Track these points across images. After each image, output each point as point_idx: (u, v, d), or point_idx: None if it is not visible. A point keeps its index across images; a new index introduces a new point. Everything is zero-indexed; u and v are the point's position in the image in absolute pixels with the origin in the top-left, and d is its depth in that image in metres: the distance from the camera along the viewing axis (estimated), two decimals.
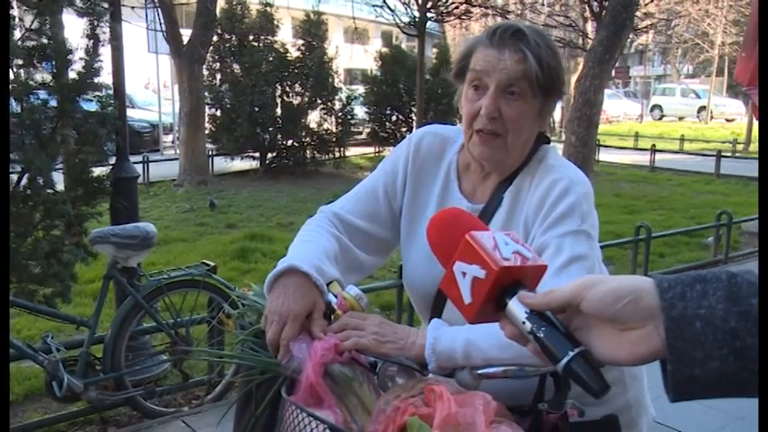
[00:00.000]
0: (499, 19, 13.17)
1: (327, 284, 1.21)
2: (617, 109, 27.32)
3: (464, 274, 0.78)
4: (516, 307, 0.76)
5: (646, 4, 12.60)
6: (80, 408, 3.40)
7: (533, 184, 1.28)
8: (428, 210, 1.40)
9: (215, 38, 11.08)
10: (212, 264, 3.58)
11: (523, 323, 0.75)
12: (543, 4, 16.08)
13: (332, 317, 1.19)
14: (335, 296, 1.20)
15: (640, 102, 30.48)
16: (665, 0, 20.38)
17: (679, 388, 0.65)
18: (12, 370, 3.60)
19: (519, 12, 14.87)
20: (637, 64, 38.65)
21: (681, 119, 28.08)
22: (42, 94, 3.60)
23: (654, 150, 14.19)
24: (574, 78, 11.44)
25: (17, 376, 3.73)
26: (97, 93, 3.73)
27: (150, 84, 16.38)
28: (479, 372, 1.07)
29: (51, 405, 3.48)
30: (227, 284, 3.55)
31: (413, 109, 13.39)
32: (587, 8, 9.33)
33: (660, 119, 28.76)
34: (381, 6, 11.12)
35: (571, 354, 0.71)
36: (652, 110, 29.77)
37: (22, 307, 3.30)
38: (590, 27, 13.86)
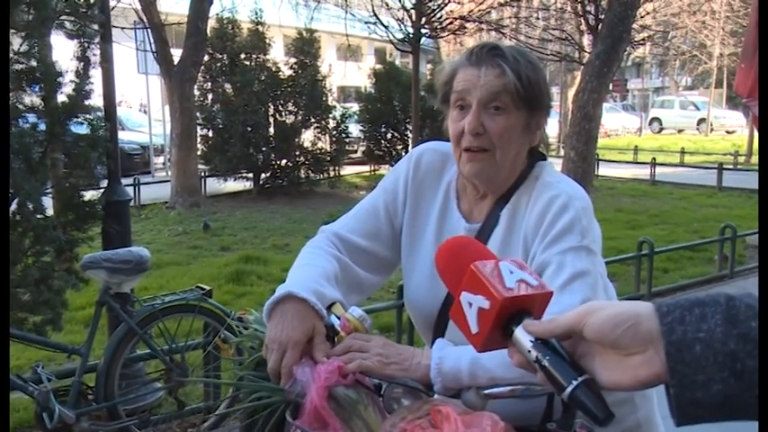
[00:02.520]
0: (494, 34, 13.22)
1: (330, 306, 1.21)
2: (615, 122, 27.42)
3: (470, 304, 0.79)
4: (522, 335, 0.76)
5: (642, 17, 12.65)
6: None
7: (530, 202, 1.27)
8: (428, 229, 1.39)
9: (206, 57, 11.04)
10: (207, 288, 3.50)
11: (529, 351, 0.75)
12: (539, 18, 16.16)
13: (335, 339, 1.18)
14: (338, 318, 1.20)
15: (639, 115, 30.61)
16: (662, 12, 20.51)
17: (683, 411, 0.65)
18: None
19: (514, 26, 14.92)
20: (634, 77, 38.91)
21: (680, 131, 28.19)
22: (32, 117, 3.53)
23: (654, 164, 14.14)
24: (571, 93, 11.45)
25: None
26: (87, 115, 3.67)
27: (143, 106, 16.36)
28: (486, 392, 1.06)
29: None
30: (222, 309, 3.47)
31: (408, 126, 13.36)
32: (583, 21, 9.35)
33: (659, 132, 28.87)
34: (374, 23, 11.13)
35: (575, 382, 0.71)
36: (651, 123, 29.90)
37: (11, 336, 3.20)
38: (586, 40, 13.92)
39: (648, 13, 15.17)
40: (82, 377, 3.20)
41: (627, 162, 16.91)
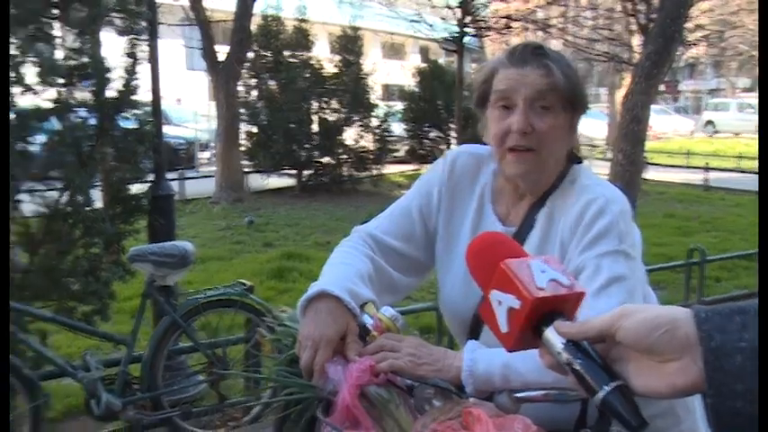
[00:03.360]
0: (540, 33, 13.02)
1: (363, 306, 1.21)
2: (666, 125, 26.69)
3: (500, 302, 0.77)
4: (553, 336, 0.74)
5: (697, 16, 12.28)
6: (118, 427, 3.37)
7: (567, 205, 1.25)
8: (463, 231, 1.37)
9: (251, 54, 11.16)
10: (249, 283, 3.53)
11: (559, 354, 0.73)
12: (586, 18, 15.83)
13: (367, 338, 1.19)
14: (371, 317, 1.20)
15: (691, 117, 29.77)
16: (719, 11, 19.83)
17: (721, 422, 0.64)
18: (53, 387, 3.60)
19: (561, 25, 14.66)
20: (687, 78, 37.84)
21: (737, 135, 27.28)
22: (82, 112, 3.62)
23: (708, 168, 13.65)
24: (620, 94, 11.08)
25: (58, 393, 3.71)
26: (135, 110, 3.74)
27: (182, 101, 16.70)
28: (519, 395, 1.04)
29: (90, 423, 3.45)
30: (264, 304, 3.49)
31: (452, 125, 13.29)
32: (633, 21, 9.12)
33: (713, 135, 28.02)
34: (418, 21, 11.09)
35: (607, 387, 0.69)
36: (705, 125, 29.02)
37: (61, 324, 3.30)
38: (636, 40, 13.58)
39: (704, 12, 14.68)
40: (127, 367, 3.27)
41: (678, 166, 16.40)
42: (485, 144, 1.36)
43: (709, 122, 29.02)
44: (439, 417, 1.00)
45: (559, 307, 0.76)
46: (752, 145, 22.86)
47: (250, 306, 3.45)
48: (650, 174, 14.16)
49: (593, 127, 21.68)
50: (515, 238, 1.29)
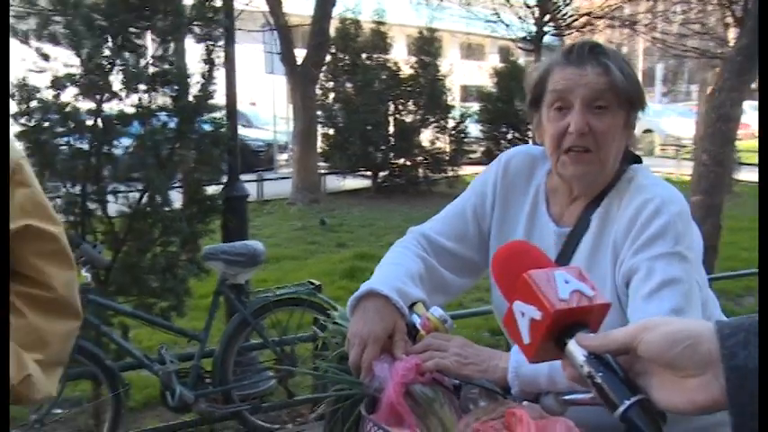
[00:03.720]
0: (626, 30, 12.56)
1: (412, 305, 1.23)
2: None
3: (522, 314, 0.76)
4: (575, 349, 0.73)
5: None
6: (191, 418, 3.52)
7: (623, 205, 1.22)
8: (517, 232, 1.37)
9: (328, 57, 11.35)
10: (317, 283, 3.60)
11: (581, 366, 0.72)
12: (676, 12, 15.13)
13: (416, 337, 1.21)
14: (420, 317, 1.22)
15: None
16: None
17: None
18: (133, 377, 3.78)
19: (648, 21, 14.08)
20: None
21: None
22: (163, 116, 3.79)
23: None
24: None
25: (138, 384, 3.91)
26: (212, 114, 3.88)
27: (257, 104, 17.22)
28: (565, 398, 1.02)
29: (166, 414, 3.62)
30: (331, 304, 3.54)
31: (529, 126, 12.98)
32: (729, 13, 8.64)
33: None
34: (496, 21, 10.95)
35: (627, 402, 0.67)
36: None
37: (139, 318, 3.47)
38: (732, 34, 12.87)
39: None
40: (200, 361, 3.40)
41: None
42: (540, 145, 1.35)
43: None
44: (482, 417, 1.00)
45: (583, 319, 0.74)
46: None
47: (318, 305, 3.51)
48: (743, 174, 13.42)
49: (682, 126, 20.72)
50: (569, 239, 1.29)
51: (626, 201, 1.22)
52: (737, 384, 0.60)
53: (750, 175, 13.69)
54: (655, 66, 34.75)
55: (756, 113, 22.98)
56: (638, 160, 1.32)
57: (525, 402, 1.09)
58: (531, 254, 0.89)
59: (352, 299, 1.22)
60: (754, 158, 16.16)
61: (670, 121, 21.75)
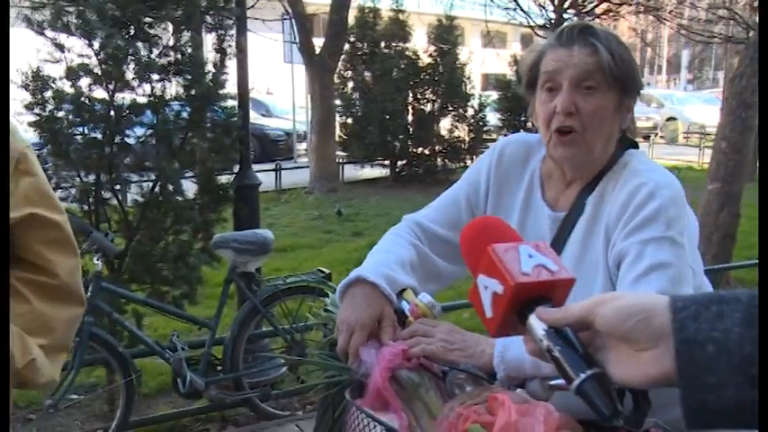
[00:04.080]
0: (650, 17, 12.35)
1: (401, 292, 1.25)
2: None
3: (486, 287, 0.76)
4: (535, 323, 0.73)
5: None
6: (203, 405, 3.56)
7: (616, 189, 1.22)
8: (511, 219, 1.36)
9: (347, 46, 11.33)
10: (327, 271, 3.61)
11: (541, 340, 0.72)
12: None
13: (405, 323, 1.22)
14: (408, 303, 1.24)
15: None
16: None
17: (693, 416, 0.61)
18: (147, 365, 3.84)
19: (673, 7, 13.81)
20: None
21: None
22: (176, 105, 3.82)
23: None
24: None
25: (152, 371, 3.97)
26: (225, 103, 3.90)
27: (273, 93, 17.26)
28: (551, 383, 1.02)
29: (178, 400, 3.67)
30: None
31: None
32: None
33: None
34: (514, 9, 10.81)
35: (583, 375, 0.68)
36: None
37: (151, 306, 3.51)
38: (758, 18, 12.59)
39: None
40: (211, 349, 3.44)
41: None
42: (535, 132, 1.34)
43: None
44: (466, 401, 1.02)
45: (546, 293, 0.74)
46: None
47: (328, 293, 3.51)
48: None
49: (707, 113, 20.35)
50: (564, 223, 1.29)
51: (620, 185, 1.22)
52: (687, 357, 0.60)
53: None
54: (680, 52, 34.13)
55: None
56: (634, 145, 1.31)
57: (512, 387, 1.10)
58: (497, 229, 0.89)
59: (341, 285, 1.24)
60: None
61: (695, 108, 21.38)
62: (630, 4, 11.41)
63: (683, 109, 21.25)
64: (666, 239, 1.13)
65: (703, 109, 21.16)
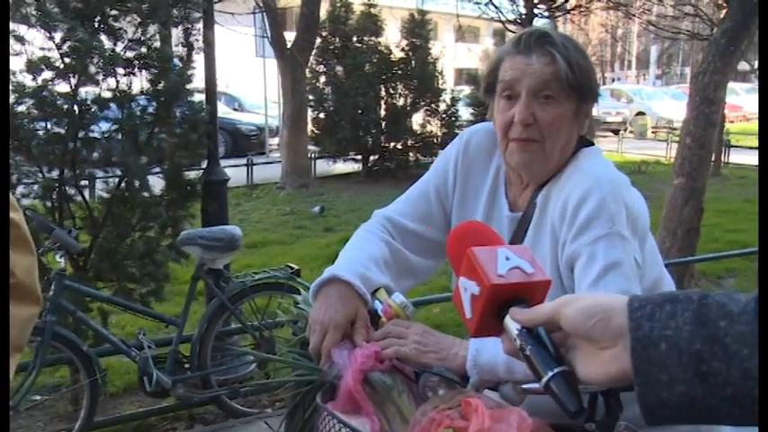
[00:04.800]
0: (620, 13, 12.50)
1: (374, 291, 1.22)
2: (757, 105, 25.02)
3: (465, 289, 0.79)
4: (510, 323, 0.76)
5: None
6: (170, 403, 3.52)
7: (559, 187, 1.22)
8: (477, 212, 1.36)
9: (318, 40, 11.26)
10: (296, 267, 3.59)
11: (515, 339, 0.75)
12: None
13: (378, 324, 1.20)
14: (381, 303, 1.21)
15: None
16: None
17: (650, 412, 0.63)
18: (112, 363, 3.79)
19: (642, 3, 13.98)
20: None
21: None
22: (142, 100, 3.76)
23: None
24: None
25: (118, 370, 3.92)
26: (192, 98, 3.85)
27: (227, 86, 17.14)
28: (524, 387, 1.01)
29: (146, 400, 3.62)
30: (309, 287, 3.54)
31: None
32: None
33: None
34: (486, 4, 10.85)
35: (550, 373, 0.71)
36: None
37: (116, 304, 3.46)
38: (722, 16, 12.83)
39: None
40: (178, 346, 3.40)
41: None
42: None
43: None
44: (439, 405, 1.00)
45: (522, 294, 0.77)
46: None
47: (297, 289, 3.49)
48: (733, 157, 13.43)
49: (674, 108, 20.68)
50: (519, 224, 1.29)
51: (562, 182, 1.22)
52: (641, 355, 0.63)
53: (739, 157, 13.71)
54: (649, 48, 34.60)
55: (749, 96, 22.87)
56: (588, 144, 1.31)
57: (484, 391, 1.10)
58: (483, 234, 0.90)
59: (315, 284, 1.21)
60: (745, 141, 16.20)
61: (663, 103, 21.73)
62: (601, 0, 11.54)
63: (652, 104, 21.58)
64: (615, 235, 1.13)
65: (671, 104, 21.51)
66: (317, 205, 8.95)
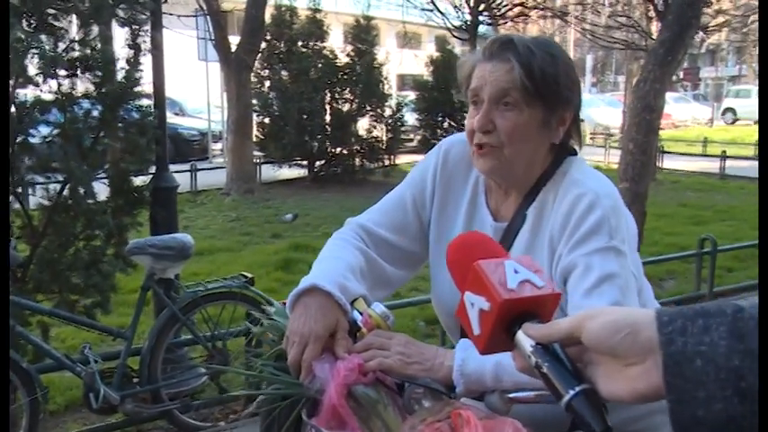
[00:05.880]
0: (558, 21, 12.86)
1: (353, 302, 1.19)
2: (685, 113, 26.25)
3: (472, 304, 0.76)
4: (523, 339, 0.73)
5: (719, 1, 12.01)
6: (117, 420, 3.38)
7: (557, 200, 1.21)
8: (457, 223, 1.34)
9: (263, 44, 11.13)
10: (250, 275, 3.51)
11: (529, 356, 0.72)
12: (604, 5, 15.54)
13: (357, 335, 1.16)
14: (361, 314, 1.18)
15: (711, 105, 29.25)
16: None
17: (682, 429, 0.61)
18: (54, 380, 3.61)
19: (578, 13, 14.42)
20: (708, 65, 37.26)
21: (756, 123, 26.77)
22: (86, 103, 3.60)
23: (724, 157, 13.42)
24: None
25: (59, 386, 3.73)
26: (138, 102, 3.72)
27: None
28: (510, 395, 1.02)
29: (91, 416, 3.47)
30: (264, 297, 3.46)
31: (465, 115, 13.12)
32: (651, 7, 8.99)
33: (733, 123, 27.51)
34: (431, 10, 10.97)
35: (572, 392, 0.68)
36: (724, 113, 28.48)
37: (59, 317, 3.30)
38: (654, 27, 13.36)
39: None
40: (126, 360, 3.26)
41: (695, 155, 16.14)
42: None
43: (729, 110, 28.53)
44: (428, 418, 0.98)
45: (533, 309, 0.74)
46: None
47: (251, 298, 3.43)
48: (666, 163, 13.97)
49: (610, 115, 21.38)
50: (506, 234, 1.28)
51: (560, 195, 1.21)
52: (675, 371, 0.60)
53: (671, 163, 14.27)
54: (585, 56, 35.68)
55: (678, 104, 23.87)
56: (573, 152, 1.30)
57: (470, 401, 1.08)
58: (484, 245, 0.88)
59: (293, 294, 1.17)
60: (676, 147, 16.88)
61: (599, 110, 22.46)
62: (540, 9, 11.84)
63: (590, 111, 22.26)
64: (612, 249, 1.14)
65: (607, 111, 22.25)
66: (290, 213, 8.71)
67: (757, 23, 23.96)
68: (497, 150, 1.21)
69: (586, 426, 0.67)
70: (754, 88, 29.12)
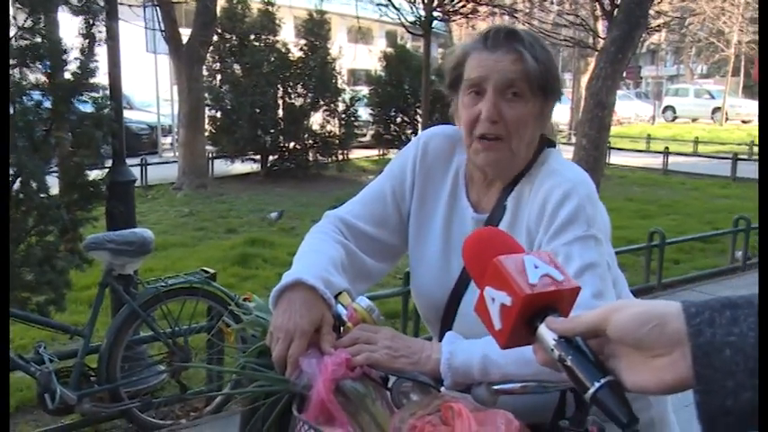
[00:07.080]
0: (507, 18, 13.05)
1: (336, 296, 1.17)
2: (628, 110, 27.03)
3: (493, 299, 0.76)
4: (545, 333, 0.73)
5: (659, 2, 12.41)
6: (74, 420, 3.30)
7: (533, 190, 1.23)
8: (437, 216, 1.34)
9: (215, 37, 10.93)
10: (212, 271, 3.46)
11: (552, 350, 0.73)
12: (552, 3, 15.87)
13: (341, 329, 1.15)
14: (345, 308, 1.16)
15: (652, 103, 30.20)
16: None
17: (711, 420, 0.61)
18: None
19: (527, 10, 14.66)
20: (648, 64, 38.43)
21: (694, 120, 27.76)
22: (36, 95, 3.48)
23: (667, 153, 13.91)
24: (585, 79, 11.17)
25: (10, 387, 3.60)
26: (93, 94, 3.61)
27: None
28: (497, 387, 1.03)
29: (44, 417, 3.36)
30: (227, 293, 3.43)
31: (418, 110, 13.23)
32: (598, 6, 9.22)
33: (673, 120, 28.45)
34: (386, 5, 10.97)
35: (597, 384, 0.68)
36: (664, 111, 29.41)
37: (13, 316, 3.18)
38: (601, 26, 13.73)
39: None
40: (84, 358, 3.18)
41: (639, 151, 16.68)
42: (456, 125, 1.33)
43: (669, 108, 29.56)
44: (417, 411, 0.98)
45: (553, 303, 0.75)
46: (708, 130, 23.33)
47: (212, 294, 3.38)
48: (612, 158, 14.36)
49: (558, 111, 21.77)
50: (486, 225, 1.27)
51: (537, 185, 1.22)
52: (704, 361, 0.61)
53: (618, 159, 14.70)
54: None
55: (621, 102, 24.62)
56: (552, 144, 1.32)
57: (457, 393, 1.08)
58: (500, 239, 0.88)
59: (277, 289, 1.15)
60: (621, 143, 17.39)
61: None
62: (491, 6, 11.99)
63: None
64: (590, 238, 1.15)
65: (555, 107, 22.64)
66: (275, 211, 8.41)
67: (693, 25, 24.83)
68: (503, 143, 1.22)
69: (613, 417, 0.68)
70: (691, 87, 30.26)
